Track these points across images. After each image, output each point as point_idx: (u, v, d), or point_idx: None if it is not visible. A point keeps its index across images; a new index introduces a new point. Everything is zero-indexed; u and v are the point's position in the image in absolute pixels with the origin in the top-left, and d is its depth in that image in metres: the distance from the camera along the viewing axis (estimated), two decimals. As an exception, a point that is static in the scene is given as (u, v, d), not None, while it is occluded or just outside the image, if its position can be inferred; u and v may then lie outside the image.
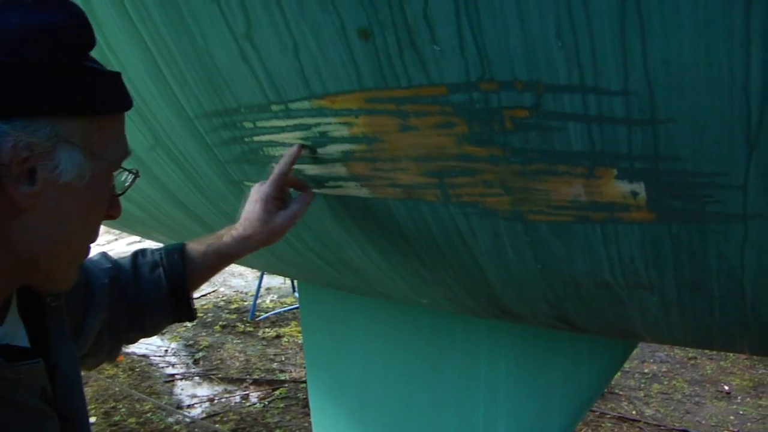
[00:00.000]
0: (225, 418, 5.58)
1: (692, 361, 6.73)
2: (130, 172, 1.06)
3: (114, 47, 1.70)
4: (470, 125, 1.22)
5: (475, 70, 1.13)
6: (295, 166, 1.58)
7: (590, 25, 0.99)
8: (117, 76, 1.01)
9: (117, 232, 10.91)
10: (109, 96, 0.97)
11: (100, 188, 0.98)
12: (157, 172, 2.14)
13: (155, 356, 7.01)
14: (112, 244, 12.74)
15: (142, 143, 2.02)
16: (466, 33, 1.09)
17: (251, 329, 7.78)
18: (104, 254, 1.50)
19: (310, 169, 1.57)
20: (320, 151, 1.50)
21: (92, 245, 1.07)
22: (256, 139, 1.60)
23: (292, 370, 6.55)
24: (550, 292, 1.58)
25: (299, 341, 7.16)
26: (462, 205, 1.41)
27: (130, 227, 3.59)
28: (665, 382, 6.25)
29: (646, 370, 6.52)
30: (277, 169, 1.51)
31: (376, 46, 1.20)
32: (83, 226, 0.98)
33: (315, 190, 1.59)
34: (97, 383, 6.18)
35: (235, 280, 9.83)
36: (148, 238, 3.77)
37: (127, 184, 1.06)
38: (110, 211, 1.04)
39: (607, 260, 1.37)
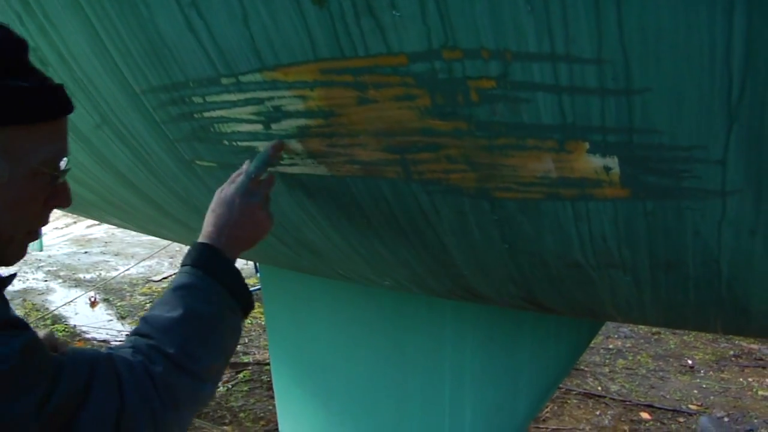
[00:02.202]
0: (187, 403, 5.49)
1: (656, 336, 6.79)
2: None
3: (52, 18, 1.60)
4: (433, 97, 1.15)
5: (438, 37, 1.06)
6: (248, 143, 1.50)
7: (561, -14, 0.92)
8: (47, 89, 1.14)
9: (75, 215, 10.76)
10: (29, 109, 1.09)
11: (24, 186, 1.11)
12: (105, 151, 2.04)
13: (116, 341, 6.91)
14: (71, 227, 12.58)
15: (87, 121, 1.92)
16: (428, -4, 1.01)
17: (214, 311, 7.68)
18: None
19: (264, 146, 1.48)
20: (274, 126, 1.42)
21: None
22: (206, 115, 1.51)
23: (256, 353, 6.49)
24: (518, 273, 1.52)
25: (262, 323, 7.09)
26: (424, 183, 1.34)
27: (85, 212, 3.48)
28: (630, 358, 6.30)
29: (610, 346, 6.57)
30: (251, 170, 1.44)
31: (331, 12, 1.12)
32: (12, 217, 1.12)
33: (269, 169, 1.50)
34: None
35: (197, 262, 9.71)
36: (103, 222, 3.68)
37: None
38: (55, 202, 1.18)
39: (578, 239, 1.31)
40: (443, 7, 1.02)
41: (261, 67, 1.30)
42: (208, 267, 1.35)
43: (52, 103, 1.14)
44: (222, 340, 1.32)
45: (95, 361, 1.17)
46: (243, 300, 1.38)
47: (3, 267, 1.21)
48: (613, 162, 1.11)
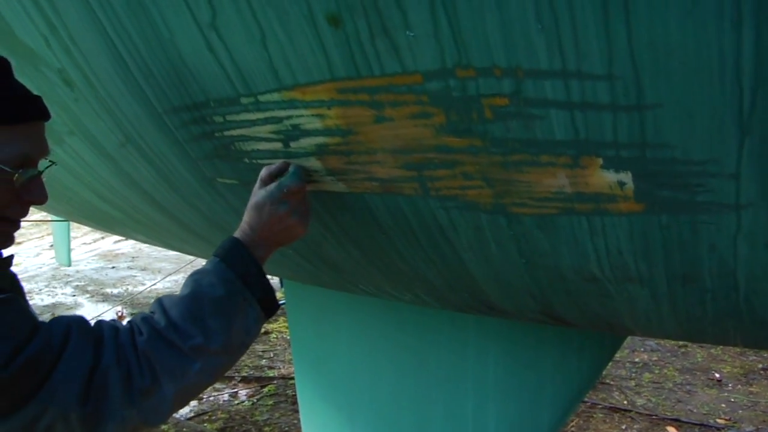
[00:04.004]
0: (213, 417, 5.53)
1: (683, 350, 6.72)
2: (51, 162, 1.38)
3: (77, 40, 1.63)
4: (447, 115, 1.16)
5: (451, 56, 1.07)
6: (268, 161, 1.52)
7: (571, 5, 0.94)
8: (6, 99, 1.27)
9: (103, 231, 10.86)
10: None
11: None
12: (129, 170, 2.07)
13: (142, 355, 6.93)
14: (99, 242, 12.69)
15: (112, 140, 1.96)
16: (440, 17, 1.03)
17: (239, 326, 7.71)
18: None
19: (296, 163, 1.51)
20: (293, 144, 1.44)
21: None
22: (226, 133, 1.54)
23: (281, 367, 6.51)
24: (536, 287, 1.52)
25: (287, 337, 7.11)
26: (442, 199, 1.35)
27: (110, 228, 3.53)
28: (656, 371, 6.24)
29: (636, 360, 6.51)
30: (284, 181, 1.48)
31: (347, 32, 1.13)
32: None
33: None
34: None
35: (223, 277, 9.76)
36: (128, 238, 3.72)
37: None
38: (29, 198, 1.31)
39: (594, 253, 1.31)
40: (456, 26, 1.03)
41: (279, 87, 1.32)
42: (226, 256, 1.41)
43: (10, 110, 1.26)
44: (224, 325, 1.34)
45: (76, 323, 1.26)
46: (259, 292, 1.41)
47: None
48: (627, 177, 1.11)
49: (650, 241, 1.22)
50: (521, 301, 1.63)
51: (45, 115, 1.35)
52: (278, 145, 1.46)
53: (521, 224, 1.32)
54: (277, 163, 1.50)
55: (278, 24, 1.20)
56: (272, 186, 1.46)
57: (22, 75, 1.97)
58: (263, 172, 1.49)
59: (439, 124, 1.19)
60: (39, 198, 1.33)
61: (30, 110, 1.31)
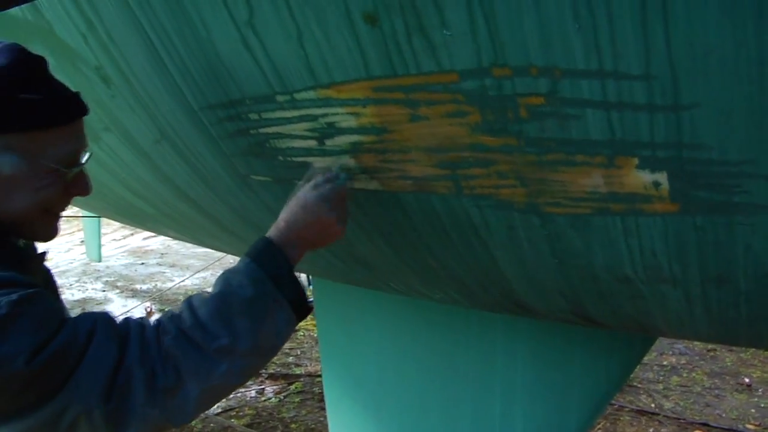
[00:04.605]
0: (240, 413, 5.56)
1: (711, 353, 6.65)
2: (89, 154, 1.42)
3: (115, 38, 1.66)
4: (483, 114, 1.17)
5: (488, 55, 1.08)
6: (303, 158, 1.53)
7: (609, 5, 0.94)
8: (58, 99, 1.32)
9: (133, 227, 10.95)
10: (41, 117, 1.28)
11: (41, 179, 1.30)
12: (163, 166, 2.10)
13: (171, 351, 6.99)
14: (128, 239, 12.80)
15: (147, 137, 1.98)
16: (477, 16, 1.04)
17: (266, 323, 7.75)
18: None
19: (318, 162, 1.52)
20: (328, 142, 1.45)
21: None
22: (261, 131, 1.55)
23: (308, 364, 6.53)
24: (568, 287, 1.52)
25: (315, 335, 7.13)
26: (475, 198, 1.35)
27: (142, 224, 3.56)
28: (684, 375, 6.19)
29: (664, 363, 6.46)
30: (341, 182, 1.49)
31: (383, 31, 1.14)
32: (32, 201, 1.31)
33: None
34: (112, 379, 6.17)
35: (251, 274, 9.81)
36: (159, 233, 3.75)
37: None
38: (75, 191, 1.38)
39: (628, 254, 1.31)
40: (492, 25, 1.04)
41: (315, 85, 1.33)
42: (257, 256, 1.40)
43: (62, 112, 1.32)
44: (253, 326, 1.34)
45: (102, 319, 1.28)
46: (291, 293, 1.41)
47: (41, 243, 1.47)
48: (662, 177, 1.11)
49: (685, 242, 1.22)
50: (552, 300, 1.63)
51: (86, 110, 1.39)
52: (313, 143, 1.48)
53: (555, 224, 1.32)
54: (330, 168, 1.50)
55: (315, 22, 1.21)
56: (327, 188, 1.45)
57: (60, 72, 2.00)
58: (319, 177, 1.48)
59: (474, 123, 1.20)
60: (85, 190, 1.39)
61: (75, 108, 1.36)
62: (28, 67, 1.32)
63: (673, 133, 1.04)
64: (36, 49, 1.97)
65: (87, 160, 1.40)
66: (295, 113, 1.43)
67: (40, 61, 1.35)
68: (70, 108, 1.35)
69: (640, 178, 1.13)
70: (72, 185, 1.37)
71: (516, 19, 1.01)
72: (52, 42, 1.90)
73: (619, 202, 1.20)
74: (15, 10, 1.93)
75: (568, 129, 1.11)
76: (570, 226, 1.31)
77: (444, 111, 1.21)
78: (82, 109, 1.38)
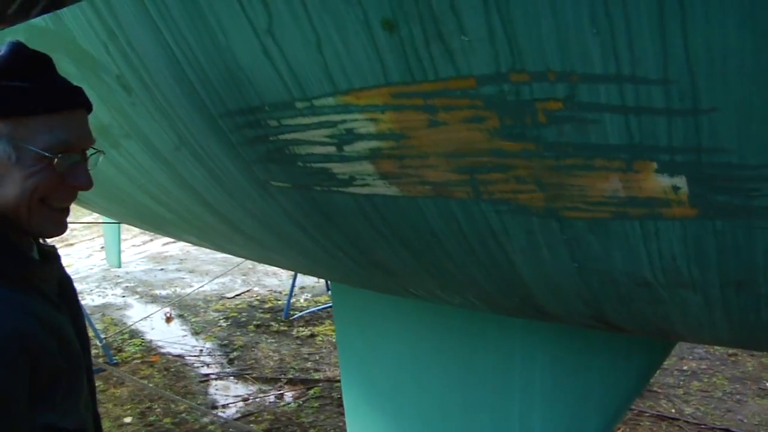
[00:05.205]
0: (259, 418, 5.58)
1: (732, 358, 6.60)
2: (98, 151, 1.46)
3: (136, 47, 1.67)
4: (501, 119, 1.17)
5: (506, 60, 1.08)
6: (322, 165, 1.54)
7: (627, 9, 0.94)
8: (47, 89, 1.35)
9: (152, 233, 11.02)
10: (27, 103, 1.32)
11: (30, 166, 1.32)
12: (183, 172, 2.11)
13: (190, 356, 7.05)
14: (148, 245, 12.87)
15: (167, 143, 2.00)
16: (495, 21, 1.04)
17: (285, 328, 7.80)
18: None
19: (338, 168, 1.53)
20: (347, 148, 1.46)
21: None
22: (281, 137, 1.56)
23: (327, 370, 6.54)
24: (587, 292, 1.52)
25: (333, 340, 7.15)
26: (494, 203, 1.36)
27: (161, 229, 3.58)
28: (705, 380, 6.14)
29: (685, 367, 6.42)
30: None
31: (402, 38, 1.15)
32: (22, 189, 1.33)
33: (342, 189, 1.54)
34: (132, 383, 6.22)
35: (269, 280, 9.88)
36: (179, 240, 3.77)
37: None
38: (74, 183, 1.39)
39: (647, 258, 1.31)
40: (510, 31, 1.04)
41: (334, 91, 1.34)
42: None
43: (50, 100, 1.35)
44: None
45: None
46: None
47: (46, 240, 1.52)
48: (681, 181, 1.11)
49: (704, 246, 1.22)
50: (572, 305, 1.63)
51: (83, 104, 1.42)
52: (332, 149, 1.48)
53: (574, 228, 1.32)
54: None
55: (334, 29, 1.22)
56: None
57: (82, 81, 2.02)
58: None
59: (492, 128, 1.20)
60: (83, 182, 1.41)
61: (66, 99, 1.38)
62: (20, 58, 1.36)
63: (691, 137, 1.04)
64: (58, 58, 2.00)
65: (88, 154, 1.42)
66: (314, 119, 1.44)
67: (39, 56, 1.39)
68: (59, 97, 1.37)
69: (658, 183, 1.13)
70: (70, 177, 1.39)
71: (533, 24, 1.02)
72: (74, 51, 1.92)
73: (638, 207, 1.20)
74: (38, 20, 1.96)
75: (586, 133, 1.12)
76: (589, 230, 1.31)
77: (462, 116, 1.21)
78: (74, 101, 1.40)
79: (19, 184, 1.33)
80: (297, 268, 3.11)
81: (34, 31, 2.03)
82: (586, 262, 1.41)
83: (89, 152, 1.44)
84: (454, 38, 1.10)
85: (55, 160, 1.34)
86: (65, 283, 1.57)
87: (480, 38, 1.08)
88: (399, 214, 1.57)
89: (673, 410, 5.54)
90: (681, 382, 6.10)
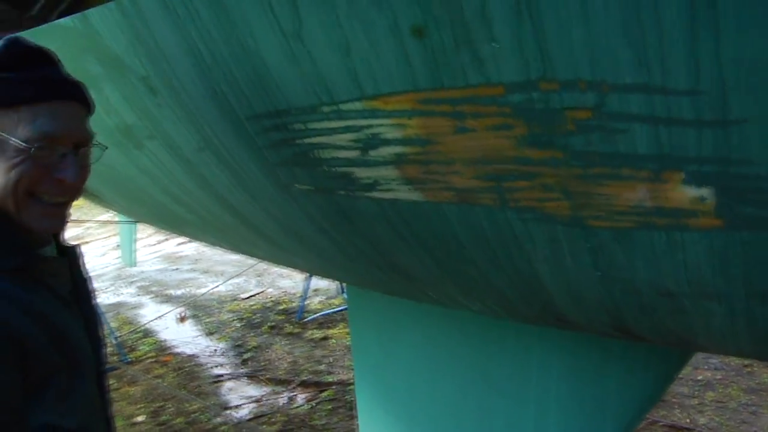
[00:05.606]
0: (272, 419, 5.59)
1: (748, 369, 6.56)
2: (101, 145, 1.45)
3: (162, 47, 1.68)
4: (529, 126, 1.18)
5: (536, 68, 1.08)
6: (346, 169, 1.55)
7: (659, 20, 0.94)
8: (32, 80, 1.35)
9: (166, 233, 11.06)
10: (7, 94, 1.32)
11: (12, 157, 1.32)
12: (205, 173, 2.12)
13: (203, 356, 7.07)
14: (162, 244, 12.92)
15: (191, 144, 2.01)
16: (526, 29, 1.04)
17: (299, 330, 7.81)
18: None
19: (361, 172, 1.53)
20: (372, 153, 1.46)
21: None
22: (306, 141, 1.57)
23: (340, 372, 6.54)
24: (609, 301, 1.52)
25: (346, 343, 7.15)
26: (519, 210, 1.36)
27: (179, 229, 3.60)
28: (720, 390, 6.10)
29: (699, 377, 6.38)
30: None
31: (431, 44, 1.16)
32: (8, 178, 1.33)
33: (366, 194, 1.55)
34: (145, 382, 6.24)
35: (283, 281, 9.89)
36: (197, 240, 3.78)
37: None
38: (59, 175, 1.36)
39: (671, 268, 1.30)
40: (541, 39, 1.04)
41: (361, 96, 1.35)
42: None
43: (33, 91, 1.34)
44: None
45: None
46: None
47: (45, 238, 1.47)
48: (708, 192, 1.11)
49: (729, 258, 1.21)
50: (593, 314, 1.63)
51: (73, 96, 1.40)
52: (356, 153, 1.49)
53: (598, 237, 1.32)
54: None
55: (363, 35, 1.23)
56: None
57: (108, 81, 2.04)
58: None
59: (520, 136, 1.20)
60: (67, 176, 1.37)
61: (51, 90, 1.36)
62: (12, 51, 1.36)
63: (720, 148, 1.04)
64: (86, 58, 2.02)
65: (81, 149, 1.40)
66: (341, 124, 1.44)
67: (34, 49, 1.39)
68: (43, 89, 1.36)
69: (685, 193, 1.13)
70: (55, 170, 1.36)
71: (565, 33, 1.02)
72: (101, 52, 1.94)
73: (664, 217, 1.20)
74: (66, 20, 1.97)
75: (614, 143, 1.12)
76: (613, 239, 1.31)
77: (490, 123, 1.21)
78: (60, 93, 1.38)
79: (3, 176, 1.33)
80: (315, 270, 3.12)
81: (62, 32, 2.05)
82: (609, 271, 1.41)
83: (95, 146, 1.43)
84: (484, 45, 1.10)
85: (31, 150, 1.32)
86: (81, 282, 1.57)
87: (510, 46, 1.08)
88: (422, 220, 1.58)
89: (687, 420, 5.50)
90: (695, 392, 6.07)
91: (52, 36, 2.10)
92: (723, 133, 1.02)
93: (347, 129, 1.44)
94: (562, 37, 1.03)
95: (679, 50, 0.96)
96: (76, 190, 1.42)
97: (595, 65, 1.03)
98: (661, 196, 1.16)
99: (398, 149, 1.40)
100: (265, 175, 1.84)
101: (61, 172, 1.37)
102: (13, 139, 1.32)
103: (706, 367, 6.63)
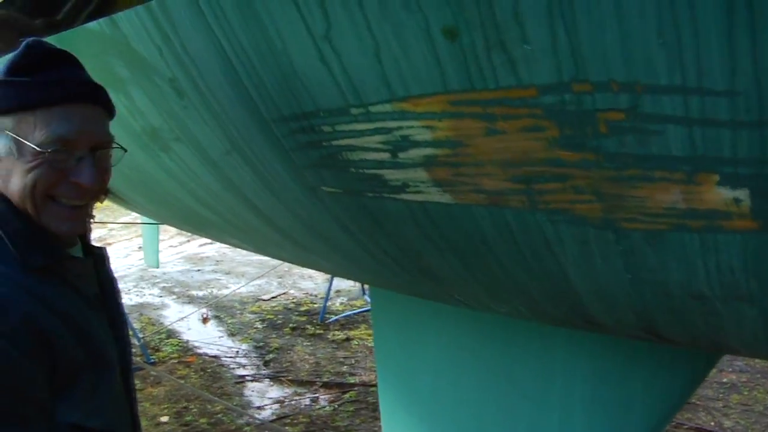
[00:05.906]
0: (295, 421, 5.60)
1: (773, 372, 6.50)
2: (120, 147, 1.47)
3: (190, 51, 1.69)
4: (561, 129, 1.17)
5: (568, 70, 1.08)
6: (374, 171, 1.55)
7: (695, 20, 0.93)
8: (50, 83, 1.36)
9: (189, 234, 11.11)
10: (25, 98, 1.34)
11: (29, 161, 1.34)
12: (231, 176, 2.13)
13: (226, 357, 7.10)
14: (185, 245, 12.99)
15: (218, 147, 2.01)
16: (559, 31, 1.04)
17: (321, 332, 7.83)
18: None
19: (391, 174, 1.53)
20: (401, 155, 1.46)
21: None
22: (334, 143, 1.57)
23: (362, 374, 6.55)
24: (640, 303, 1.51)
25: (369, 344, 7.16)
26: (550, 212, 1.35)
27: (204, 230, 3.61)
28: (745, 393, 6.05)
29: (724, 380, 6.33)
30: None
31: (463, 45, 1.15)
32: (25, 181, 1.36)
33: (394, 196, 1.54)
34: (169, 383, 6.28)
35: (305, 283, 9.92)
36: (221, 242, 3.80)
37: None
38: (74, 179, 1.38)
39: (704, 270, 1.29)
40: (574, 40, 1.04)
41: (391, 98, 1.34)
42: None
43: (48, 94, 1.35)
44: None
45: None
46: None
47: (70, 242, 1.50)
48: (743, 194, 1.10)
49: (764, 260, 1.20)
50: (623, 316, 1.62)
51: (89, 99, 1.41)
52: (386, 156, 1.49)
53: (630, 239, 1.31)
54: None
55: (393, 36, 1.23)
56: None
57: (134, 84, 2.05)
58: None
59: (551, 138, 1.19)
60: (83, 180, 1.39)
61: (66, 93, 1.38)
62: (30, 55, 1.38)
63: (756, 150, 1.02)
64: (112, 61, 2.03)
65: (99, 151, 1.42)
66: (369, 126, 1.44)
67: (54, 52, 1.40)
68: (57, 91, 1.37)
69: (720, 195, 1.12)
70: (72, 173, 1.38)
71: (598, 34, 1.01)
72: (128, 55, 1.95)
73: (698, 219, 1.19)
74: (93, 24, 1.99)
75: (648, 145, 1.11)
76: (645, 242, 1.30)
77: (521, 125, 1.21)
78: (75, 95, 1.39)
79: (21, 179, 1.35)
80: (341, 272, 3.12)
81: (89, 35, 2.06)
82: (640, 273, 1.40)
83: (115, 148, 1.45)
84: (517, 47, 1.09)
85: (46, 154, 1.34)
86: (107, 285, 1.59)
87: (543, 47, 1.07)
88: (451, 222, 1.57)
89: (712, 423, 5.46)
90: (720, 395, 6.02)
91: (78, 40, 2.11)
92: (759, 134, 1.00)
93: (376, 131, 1.44)
94: (596, 38, 1.02)
95: (716, 50, 0.94)
96: (94, 193, 1.44)
97: (629, 66, 1.02)
98: (695, 198, 1.15)
99: (428, 151, 1.40)
100: (292, 178, 1.84)
101: (77, 175, 1.39)
102: (28, 143, 1.34)
103: (731, 369, 6.58)
